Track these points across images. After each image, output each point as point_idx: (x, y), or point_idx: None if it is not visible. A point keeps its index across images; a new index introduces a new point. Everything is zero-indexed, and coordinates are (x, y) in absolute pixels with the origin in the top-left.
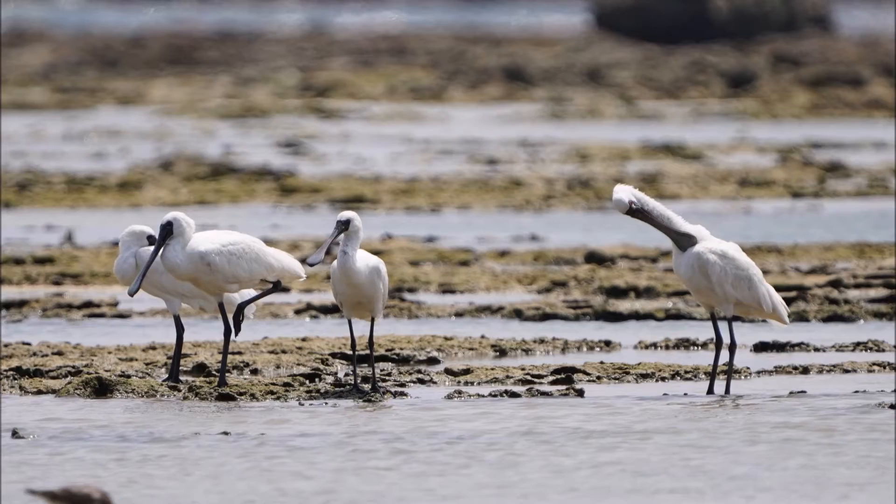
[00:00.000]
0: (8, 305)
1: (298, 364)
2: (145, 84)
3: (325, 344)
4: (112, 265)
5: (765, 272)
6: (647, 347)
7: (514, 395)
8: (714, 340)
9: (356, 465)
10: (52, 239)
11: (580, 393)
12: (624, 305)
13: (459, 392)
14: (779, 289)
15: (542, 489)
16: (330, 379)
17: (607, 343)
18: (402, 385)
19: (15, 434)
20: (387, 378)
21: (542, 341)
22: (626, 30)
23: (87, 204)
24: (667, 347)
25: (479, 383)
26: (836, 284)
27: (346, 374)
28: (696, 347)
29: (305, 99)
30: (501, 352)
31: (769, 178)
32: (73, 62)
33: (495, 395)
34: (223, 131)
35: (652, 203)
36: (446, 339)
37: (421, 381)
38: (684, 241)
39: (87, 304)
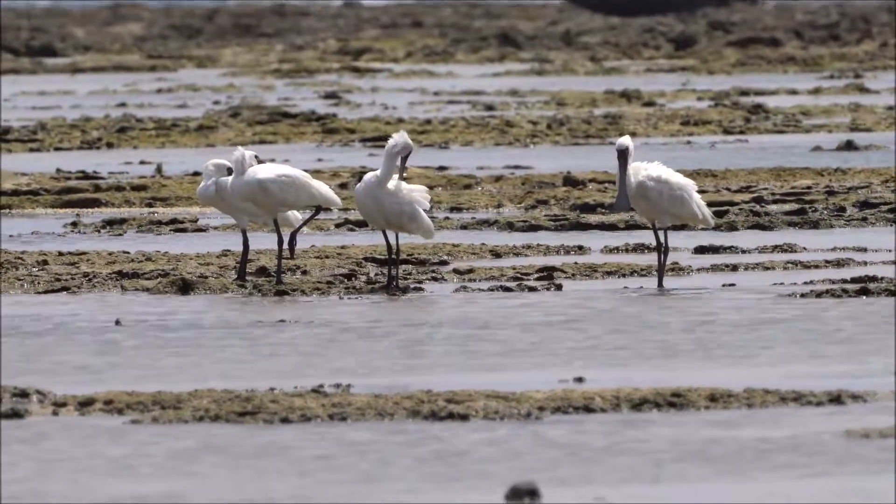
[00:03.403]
0: (111, 223)
1: (339, 266)
2: (217, 51)
3: (359, 251)
4: (193, 191)
5: (702, 192)
6: (611, 251)
7: (507, 288)
8: (656, 246)
9: (385, 343)
10: (145, 171)
11: (559, 287)
12: (593, 218)
13: (465, 287)
14: (712, 204)
15: (530, 353)
16: (363, 278)
17: (580, 248)
18: (420, 282)
19: (118, 323)
20: (408, 277)
21: (529, 247)
22: (593, 4)
23: (173, 144)
24: (627, 251)
25: (480, 280)
26: (758, 200)
27: (377, 274)
28: (649, 251)
29: (343, 61)
30: (497, 255)
31: (706, 118)
32: (160, 34)
33: (493, 289)
34: (279, 87)
35: (633, 163)
36: (454, 245)
37: (434, 279)
38: (620, 198)
39: (173, 221)
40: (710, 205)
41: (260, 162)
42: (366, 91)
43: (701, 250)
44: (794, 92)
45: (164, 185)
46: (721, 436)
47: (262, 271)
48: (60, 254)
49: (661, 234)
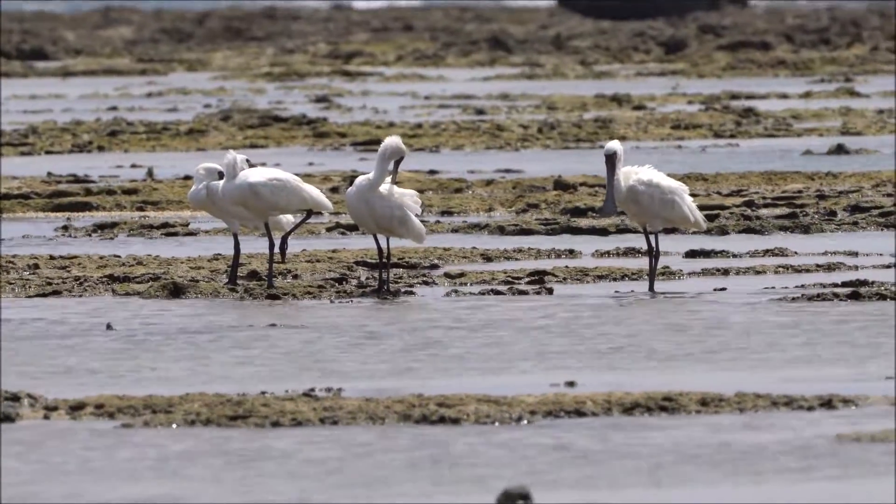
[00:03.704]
0: (103, 226)
1: (330, 270)
2: (208, 54)
3: (350, 254)
4: (184, 194)
5: (693, 195)
6: (602, 255)
7: (498, 292)
8: (647, 250)
9: (376, 347)
10: (136, 175)
11: (550, 290)
12: (584, 222)
13: (456, 291)
14: (703, 208)
15: (522, 357)
16: (354, 282)
17: (571, 251)
18: (411, 286)
19: (109, 327)
20: (399, 280)
21: (519, 250)
22: (582, 8)
23: (164, 147)
24: (618, 255)
25: (471, 284)
26: (749, 204)
27: (367, 278)
28: (640, 255)
29: (333, 64)
30: (488, 259)
31: (696, 122)
32: (151, 37)
33: (484, 293)
34: (269, 90)
35: (621, 166)
36: (445, 249)
37: (425, 283)
38: (608, 203)
39: (165, 225)
40: (700, 209)
41: (251, 166)
42: (357, 95)
43: (692, 254)
44: (784, 96)
45: (155, 188)
46: (712, 440)
47: (254, 275)
48: (51, 258)
49: (651, 238)
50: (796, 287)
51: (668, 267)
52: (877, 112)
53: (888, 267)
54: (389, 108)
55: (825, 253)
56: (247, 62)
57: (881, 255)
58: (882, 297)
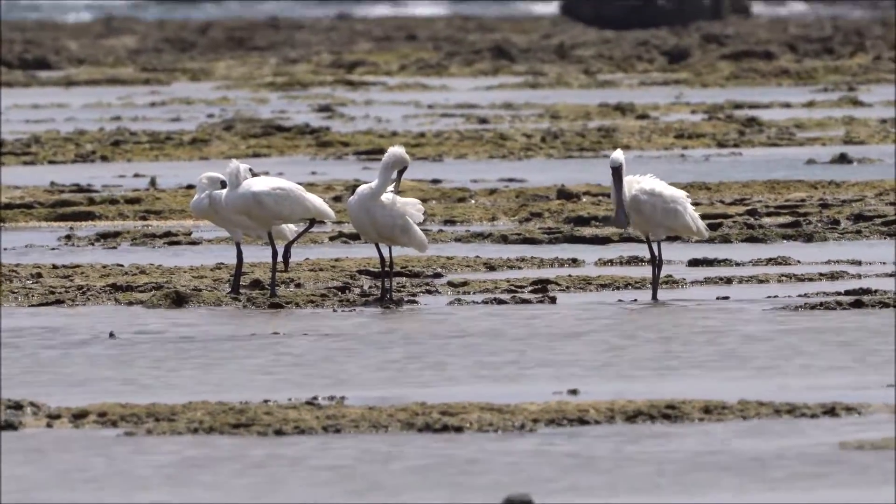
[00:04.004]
0: (105, 236)
1: (333, 279)
2: (211, 64)
3: (353, 263)
4: (187, 204)
5: (696, 204)
6: (605, 264)
7: (501, 301)
8: (650, 259)
9: (379, 355)
10: (139, 184)
11: (553, 299)
12: (587, 231)
13: (459, 300)
14: (706, 217)
15: (525, 365)
16: (357, 290)
17: (574, 260)
18: (414, 295)
19: (111, 336)
20: (402, 289)
21: (522, 259)
22: (586, 17)
23: (167, 157)
24: (621, 263)
25: (474, 292)
26: (752, 213)
27: (370, 287)
28: (643, 263)
29: (336, 74)
30: (491, 268)
31: (700, 131)
32: (154, 47)
33: (487, 302)
34: (272, 100)
35: (626, 177)
36: (448, 258)
37: (428, 292)
38: (619, 214)
39: (167, 234)
40: (703, 217)
41: (254, 175)
42: (360, 104)
43: (695, 263)
44: (787, 105)
45: (157, 198)
46: (715, 448)
47: (256, 284)
48: (55, 267)
49: (654, 246)
50: (799, 296)
51: (671, 276)
52: (880, 121)
53: (891, 275)
54: (392, 118)
55: (828, 262)
56: (250, 72)
57: (884, 263)
58: (885, 305)
